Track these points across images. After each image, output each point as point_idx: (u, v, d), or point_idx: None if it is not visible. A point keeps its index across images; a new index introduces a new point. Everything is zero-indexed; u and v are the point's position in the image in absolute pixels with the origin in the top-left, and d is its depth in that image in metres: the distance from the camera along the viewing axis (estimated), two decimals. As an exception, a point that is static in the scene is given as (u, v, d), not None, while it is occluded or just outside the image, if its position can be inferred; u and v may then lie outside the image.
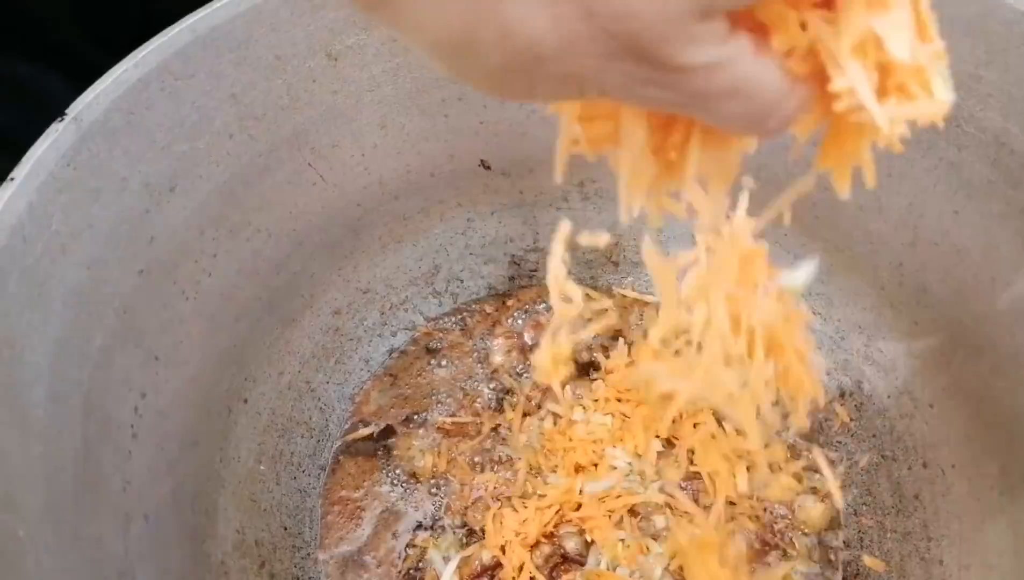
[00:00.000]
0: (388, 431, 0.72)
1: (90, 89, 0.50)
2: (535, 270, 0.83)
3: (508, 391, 0.75)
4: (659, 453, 0.68)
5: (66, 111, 0.48)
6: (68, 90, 0.48)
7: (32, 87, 0.68)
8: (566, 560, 0.64)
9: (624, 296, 0.81)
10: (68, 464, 0.44)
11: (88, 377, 0.48)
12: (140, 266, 0.54)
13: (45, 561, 0.38)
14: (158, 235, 0.56)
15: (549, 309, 0.80)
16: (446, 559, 0.64)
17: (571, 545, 0.64)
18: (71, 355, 0.47)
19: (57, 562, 0.39)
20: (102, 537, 0.45)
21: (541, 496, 0.67)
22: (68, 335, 0.47)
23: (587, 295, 0.80)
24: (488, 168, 0.76)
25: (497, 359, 0.77)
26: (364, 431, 0.73)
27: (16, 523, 0.37)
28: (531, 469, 0.69)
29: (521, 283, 0.82)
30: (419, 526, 0.67)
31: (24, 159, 0.46)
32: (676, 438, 0.69)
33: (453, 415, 0.73)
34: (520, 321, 0.80)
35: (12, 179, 0.45)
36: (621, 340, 0.77)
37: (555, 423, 0.71)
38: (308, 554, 0.65)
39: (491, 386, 0.75)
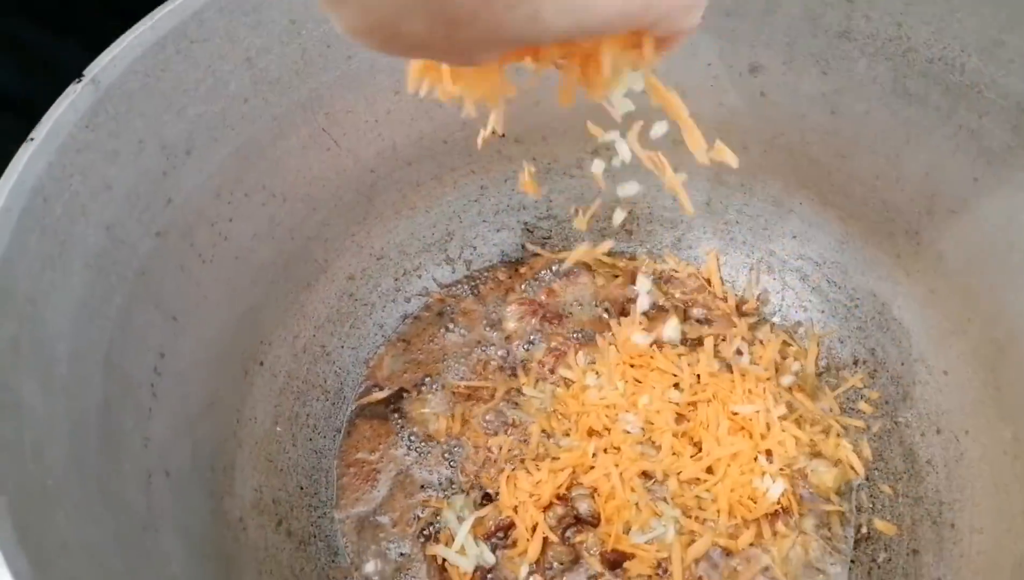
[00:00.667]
0: (402, 395, 0.73)
1: (107, 50, 0.50)
2: (548, 237, 0.83)
3: (521, 358, 0.75)
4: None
5: (83, 72, 0.48)
6: (83, 56, 0.48)
7: (46, 52, 0.68)
8: (579, 521, 0.65)
9: (635, 261, 0.81)
10: (91, 419, 0.45)
11: (108, 336, 0.49)
12: (157, 228, 0.55)
13: (73, 514, 0.39)
14: (175, 197, 0.56)
15: (561, 276, 0.80)
16: (460, 519, 0.65)
17: (584, 507, 0.65)
18: (91, 314, 0.48)
19: (84, 516, 0.40)
20: (125, 492, 0.46)
21: (554, 459, 0.67)
22: (88, 295, 0.48)
23: (600, 261, 0.81)
24: (502, 135, 0.76)
25: (510, 325, 0.77)
26: (379, 395, 0.73)
27: (44, 474, 0.38)
28: (544, 433, 0.70)
29: (534, 251, 0.82)
30: (434, 487, 0.68)
31: (44, 119, 0.46)
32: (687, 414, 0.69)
33: (466, 380, 0.74)
34: (533, 288, 0.80)
35: (32, 139, 0.45)
36: (633, 306, 0.77)
37: (568, 388, 0.72)
38: (324, 513, 0.66)
39: (504, 352, 0.76)
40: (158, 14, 0.52)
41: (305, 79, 0.62)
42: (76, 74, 0.48)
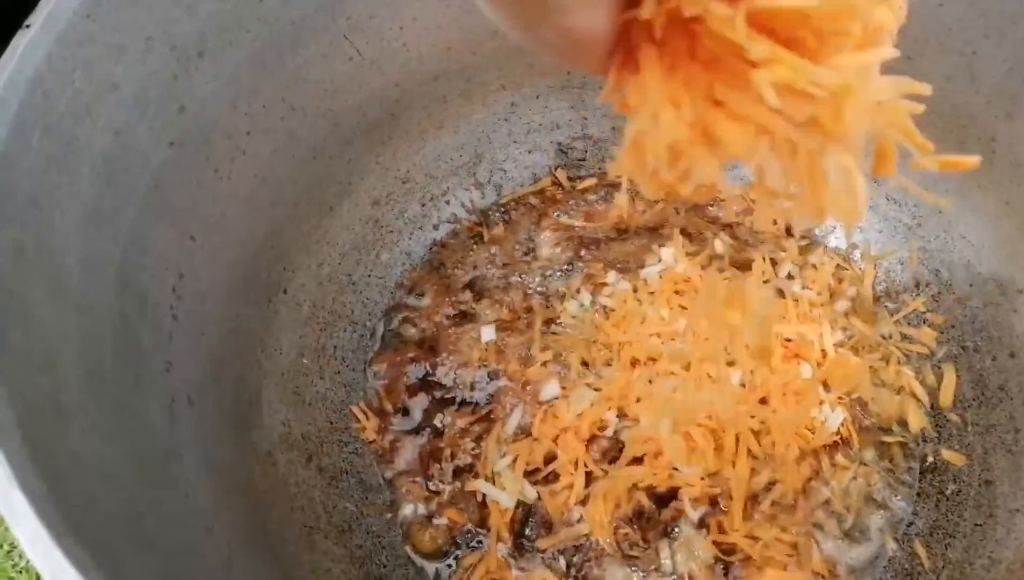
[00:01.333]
0: (436, 326, 0.69)
1: (107, -68, 0.45)
2: (583, 160, 0.78)
3: (557, 287, 0.71)
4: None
5: (83, -47, 0.43)
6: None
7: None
8: (623, 455, 0.61)
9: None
10: (106, 336, 0.41)
11: (121, 251, 0.45)
12: (171, 138, 0.50)
13: (89, 431, 0.35)
14: (188, 105, 0.51)
15: (599, 201, 0.76)
16: (502, 454, 0.61)
17: (629, 440, 0.61)
18: (102, 225, 0.43)
19: (101, 432, 0.36)
20: (146, 414, 0.42)
21: (596, 390, 0.63)
22: (97, 204, 0.43)
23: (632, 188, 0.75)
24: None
25: (544, 252, 0.73)
26: (410, 330, 0.69)
27: (56, 389, 0.35)
28: (584, 364, 0.66)
29: (569, 174, 0.77)
30: (471, 419, 0.64)
31: (40, 5, 0.41)
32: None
33: (501, 309, 0.69)
34: (568, 214, 0.75)
35: (28, 26, 0.40)
36: (678, 231, 0.72)
37: (608, 317, 0.67)
38: (356, 449, 0.63)
39: (539, 279, 0.71)
40: None
41: (325, -24, 0.57)
42: (74, -44, 0.43)
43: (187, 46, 0.50)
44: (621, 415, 0.63)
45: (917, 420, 0.62)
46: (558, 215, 0.75)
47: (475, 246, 0.74)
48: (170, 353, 0.47)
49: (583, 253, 0.72)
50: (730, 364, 0.63)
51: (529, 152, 0.77)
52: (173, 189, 0.50)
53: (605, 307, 0.69)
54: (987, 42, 0.58)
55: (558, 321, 0.68)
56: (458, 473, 0.62)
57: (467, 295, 0.71)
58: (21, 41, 0.40)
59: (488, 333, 0.67)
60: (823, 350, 0.64)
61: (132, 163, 0.47)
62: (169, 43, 0.49)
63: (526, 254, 0.73)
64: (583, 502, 0.60)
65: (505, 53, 0.70)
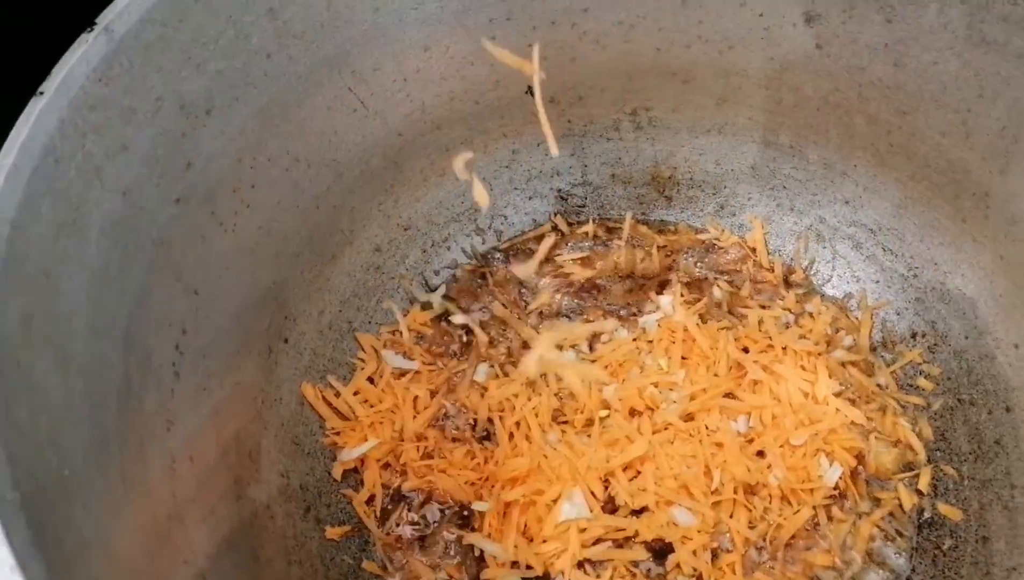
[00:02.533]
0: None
1: (119, -2, 0.45)
2: (582, 206, 0.79)
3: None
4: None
5: (96, 20, 0.44)
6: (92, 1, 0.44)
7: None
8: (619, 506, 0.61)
9: (675, 232, 0.77)
10: (111, 401, 0.41)
11: (128, 311, 0.45)
12: (177, 194, 0.50)
13: (93, 507, 0.35)
14: (195, 161, 0.52)
15: (598, 246, 0.76)
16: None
17: (625, 491, 0.61)
18: (109, 286, 0.44)
19: (106, 506, 0.36)
20: (149, 478, 0.42)
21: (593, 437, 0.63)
22: (106, 265, 0.44)
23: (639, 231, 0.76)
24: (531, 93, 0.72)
25: (543, 298, 0.73)
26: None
27: (61, 462, 0.35)
28: (579, 414, 0.66)
29: (569, 220, 0.78)
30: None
31: (54, 71, 0.42)
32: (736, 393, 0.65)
33: (498, 354, 0.70)
34: (568, 260, 0.76)
35: (41, 93, 0.41)
36: (675, 277, 0.73)
37: (606, 366, 0.68)
38: (352, 500, 0.63)
39: (538, 326, 0.72)
40: (174, -42, 0.48)
41: (331, 33, 0.58)
42: (87, 22, 0.44)
43: (195, 104, 0.51)
44: (618, 466, 0.63)
45: (913, 473, 0.63)
46: (558, 261, 0.76)
47: (474, 292, 0.74)
48: (171, 411, 0.47)
49: (582, 300, 0.73)
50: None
51: (530, 198, 0.77)
52: (179, 245, 0.50)
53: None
54: (981, 101, 0.59)
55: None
56: (456, 521, 0.62)
57: (462, 341, 0.71)
58: (35, 108, 0.41)
59: (482, 374, 0.68)
60: (821, 401, 0.65)
61: (140, 222, 0.47)
62: (178, 102, 0.50)
63: (525, 301, 0.74)
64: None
65: (507, 101, 0.71)
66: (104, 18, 0.44)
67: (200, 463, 0.48)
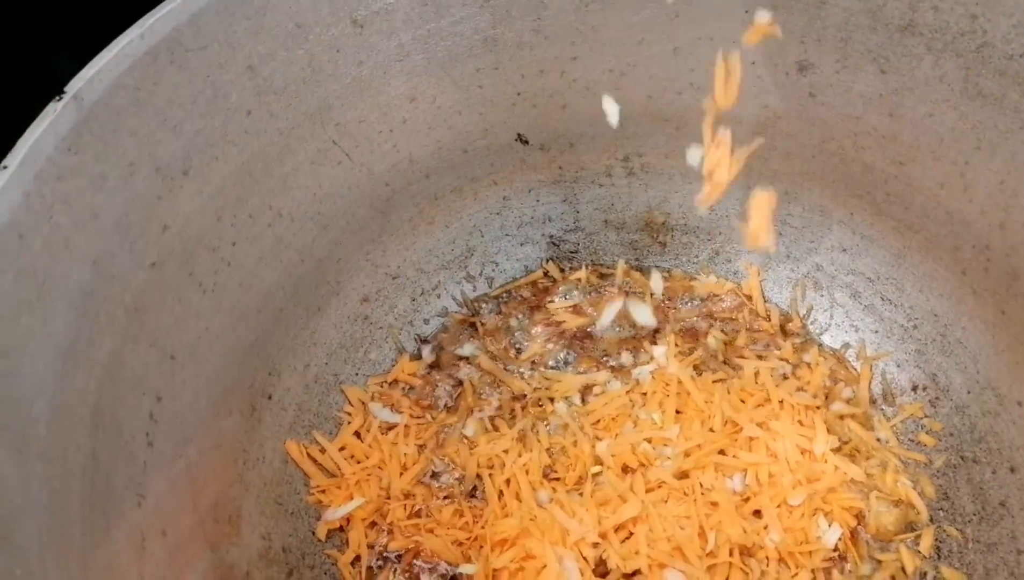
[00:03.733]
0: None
1: (91, 63, 0.45)
2: (575, 252, 0.78)
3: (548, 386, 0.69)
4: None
5: (65, 88, 0.43)
6: (64, 67, 0.43)
7: (22, 63, 0.63)
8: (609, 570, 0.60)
9: (669, 278, 0.75)
10: (75, 485, 0.40)
11: (97, 384, 0.44)
12: (152, 258, 0.49)
13: (48, 602, 0.34)
14: (171, 224, 0.51)
15: (591, 293, 0.75)
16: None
17: (618, 554, 0.59)
18: (77, 361, 0.43)
19: (61, 604, 0.35)
20: (115, 563, 0.40)
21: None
22: (73, 339, 0.43)
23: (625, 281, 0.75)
24: (525, 142, 0.71)
25: (536, 348, 0.72)
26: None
27: (12, 562, 0.33)
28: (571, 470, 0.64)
29: (561, 266, 0.77)
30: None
31: (18, 144, 0.41)
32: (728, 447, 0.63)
33: (490, 409, 0.68)
34: (560, 307, 0.74)
35: (5, 167, 0.40)
36: (668, 328, 0.72)
37: (599, 420, 0.66)
38: (337, 561, 0.61)
39: (529, 376, 0.70)
40: (149, 20, 0.47)
41: (313, 88, 0.57)
42: (56, 90, 0.43)
43: (172, 166, 0.50)
44: (612, 526, 0.61)
45: (916, 535, 0.61)
46: (551, 308, 0.74)
47: (464, 340, 0.73)
48: (143, 486, 0.45)
49: (575, 348, 0.72)
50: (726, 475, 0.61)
51: (521, 245, 0.76)
52: (153, 310, 0.49)
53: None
54: (979, 154, 0.57)
55: (547, 423, 0.67)
56: (444, 585, 0.60)
57: (453, 393, 0.69)
58: (-2, 183, 0.40)
59: (471, 429, 0.66)
60: (820, 457, 0.63)
61: (111, 291, 0.46)
62: (153, 165, 0.49)
63: (517, 350, 0.72)
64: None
65: (496, 149, 0.70)
66: (73, 86, 0.43)
67: (173, 535, 0.47)
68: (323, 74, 0.57)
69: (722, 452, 0.63)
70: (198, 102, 0.50)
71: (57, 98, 0.43)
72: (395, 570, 0.61)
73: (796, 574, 0.59)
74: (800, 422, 0.64)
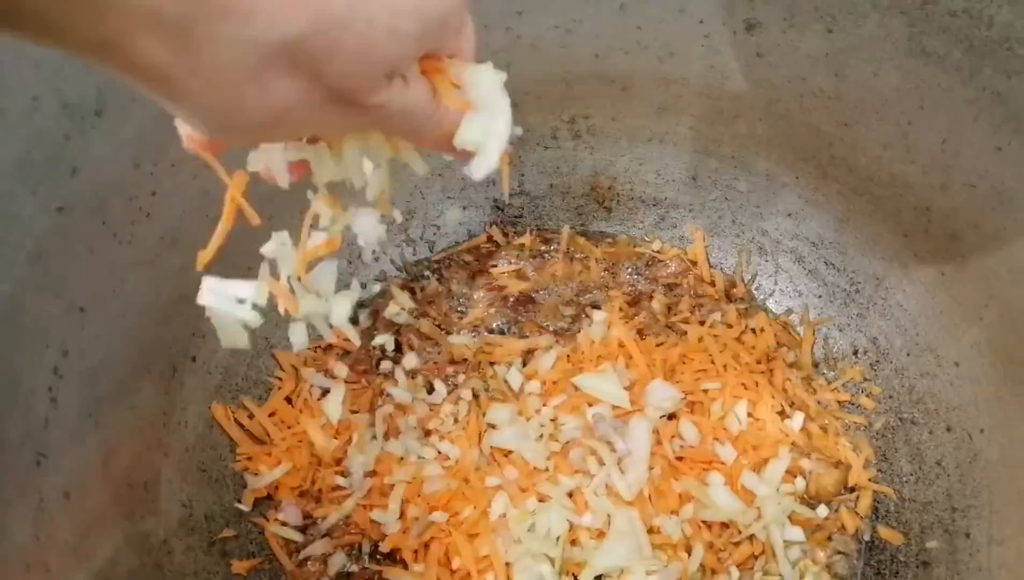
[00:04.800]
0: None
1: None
2: (519, 216, 0.76)
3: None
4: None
5: (-47, 8, 0.39)
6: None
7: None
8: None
9: (614, 244, 0.74)
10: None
11: (-10, 333, 0.40)
12: (59, 202, 0.46)
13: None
14: (82, 167, 0.47)
15: (535, 258, 0.73)
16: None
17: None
18: (-33, 305, 0.39)
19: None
20: (4, 526, 0.37)
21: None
22: (-37, 282, 0.39)
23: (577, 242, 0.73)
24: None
25: (478, 312, 0.70)
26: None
27: None
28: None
29: (505, 230, 0.75)
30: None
31: (-101, 64, 0.37)
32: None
33: (427, 372, 0.66)
34: (503, 272, 0.72)
35: None
36: (614, 294, 0.70)
37: (543, 381, 0.65)
38: (264, 530, 0.58)
39: (471, 341, 0.68)
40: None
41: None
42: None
43: (83, 104, 0.47)
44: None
45: (863, 499, 0.60)
46: (493, 273, 0.72)
47: (407, 304, 0.70)
48: (44, 443, 0.42)
49: (517, 314, 0.70)
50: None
51: (464, 208, 0.74)
52: (59, 258, 0.46)
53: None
54: (921, 113, 0.57)
55: (488, 389, 0.65)
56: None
57: (391, 358, 0.67)
58: None
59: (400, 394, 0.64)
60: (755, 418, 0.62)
61: (10, 233, 0.43)
62: (61, 101, 0.45)
63: (459, 314, 0.70)
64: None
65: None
66: (-37, 6, 0.39)
67: (79, 499, 0.44)
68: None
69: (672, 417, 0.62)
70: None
71: (-56, 18, 0.39)
72: (327, 536, 0.58)
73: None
74: (743, 386, 0.64)
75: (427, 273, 0.72)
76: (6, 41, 0.37)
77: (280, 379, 0.64)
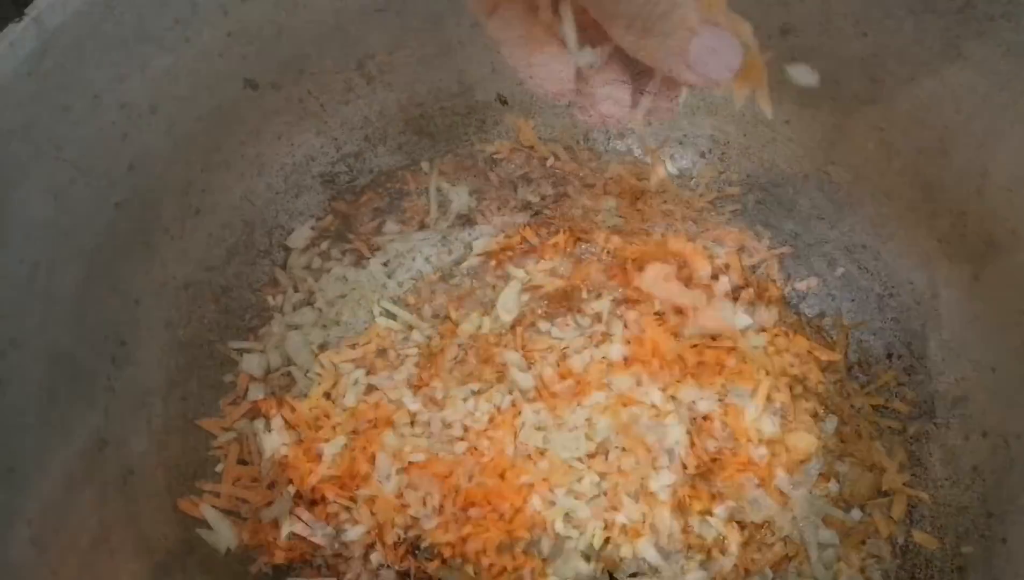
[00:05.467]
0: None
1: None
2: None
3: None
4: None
5: (25, 11, 0.41)
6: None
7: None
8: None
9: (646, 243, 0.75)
10: (30, 419, 0.38)
11: (55, 321, 0.42)
12: (117, 198, 0.48)
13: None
14: (138, 164, 0.49)
15: (573, 256, 0.73)
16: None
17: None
18: (35, 298, 0.41)
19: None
20: (72, 508, 0.39)
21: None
22: (30, 273, 0.41)
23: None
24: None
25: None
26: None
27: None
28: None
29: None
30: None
31: (-26, 65, 0.39)
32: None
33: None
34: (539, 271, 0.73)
35: (-41, 88, 0.38)
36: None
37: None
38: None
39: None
40: (116, -50, 0.45)
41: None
42: (16, 12, 0.41)
43: (138, 103, 0.48)
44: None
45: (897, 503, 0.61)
46: (528, 266, 0.73)
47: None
48: (104, 430, 0.44)
49: (553, 312, 0.71)
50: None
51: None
52: (117, 251, 0.48)
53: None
54: (958, 117, 0.57)
55: (522, 388, 0.66)
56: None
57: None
58: (-48, 103, 0.38)
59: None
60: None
61: (74, 228, 0.44)
62: (118, 100, 0.47)
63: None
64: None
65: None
66: (35, 8, 0.41)
67: (136, 484, 0.45)
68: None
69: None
70: (167, 38, 0.49)
71: (16, 20, 0.41)
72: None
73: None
74: (777, 388, 0.64)
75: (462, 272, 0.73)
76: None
77: (320, 375, 0.65)
